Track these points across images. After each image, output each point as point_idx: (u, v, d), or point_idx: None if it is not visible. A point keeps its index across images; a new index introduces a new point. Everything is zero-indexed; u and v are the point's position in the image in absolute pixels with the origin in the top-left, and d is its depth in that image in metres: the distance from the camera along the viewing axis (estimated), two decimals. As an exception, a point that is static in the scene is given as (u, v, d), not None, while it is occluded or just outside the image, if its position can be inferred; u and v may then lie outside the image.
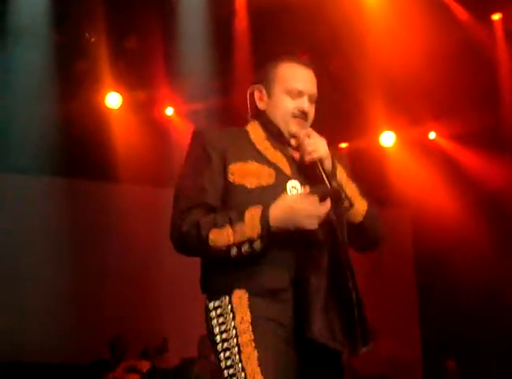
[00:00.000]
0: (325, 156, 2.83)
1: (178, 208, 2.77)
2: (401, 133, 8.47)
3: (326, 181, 2.77)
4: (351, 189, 2.93)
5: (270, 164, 2.84)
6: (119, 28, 7.01)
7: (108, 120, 7.45)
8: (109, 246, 7.66)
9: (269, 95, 2.96)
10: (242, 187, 2.78)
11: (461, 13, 7.05)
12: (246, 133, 2.93)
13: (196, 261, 2.84)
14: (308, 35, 7.01)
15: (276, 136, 2.91)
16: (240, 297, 2.69)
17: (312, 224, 2.66)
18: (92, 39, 7.00)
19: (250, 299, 2.68)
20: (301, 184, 2.79)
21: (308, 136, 2.84)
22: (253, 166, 2.83)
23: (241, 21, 7.16)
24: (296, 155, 2.88)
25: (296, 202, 2.67)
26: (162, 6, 6.89)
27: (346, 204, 2.87)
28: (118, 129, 7.47)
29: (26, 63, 6.63)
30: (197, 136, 2.86)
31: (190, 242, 2.71)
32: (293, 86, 2.94)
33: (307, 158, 2.82)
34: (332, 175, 2.81)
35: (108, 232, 7.64)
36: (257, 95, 2.99)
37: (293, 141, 2.89)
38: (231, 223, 2.67)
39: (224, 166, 2.81)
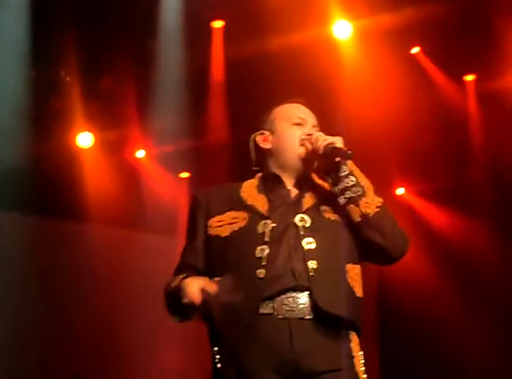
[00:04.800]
0: (339, 141, 2.90)
1: None
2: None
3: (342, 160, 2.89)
4: (365, 181, 2.94)
5: (246, 208, 2.88)
6: (95, 68, 6.97)
7: (79, 159, 7.39)
8: (77, 286, 7.53)
9: (273, 133, 3.04)
10: (218, 237, 2.89)
11: (435, 73, 7.13)
12: (240, 185, 3.00)
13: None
14: (285, 85, 7.03)
15: (271, 179, 2.97)
16: None
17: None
18: (67, 78, 6.96)
19: None
20: (280, 219, 2.82)
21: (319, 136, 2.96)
22: (229, 215, 2.90)
23: (217, 68, 7.17)
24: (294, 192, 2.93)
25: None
26: (139, 49, 6.88)
27: (358, 190, 2.87)
28: (89, 168, 7.41)
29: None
30: (191, 199, 3.05)
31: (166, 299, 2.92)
32: (295, 115, 3.05)
33: (322, 144, 2.89)
34: (347, 155, 2.86)
35: (76, 272, 7.54)
36: (260, 139, 3.06)
37: (306, 146, 2.97)
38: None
39: (205, 222, 2.94)
